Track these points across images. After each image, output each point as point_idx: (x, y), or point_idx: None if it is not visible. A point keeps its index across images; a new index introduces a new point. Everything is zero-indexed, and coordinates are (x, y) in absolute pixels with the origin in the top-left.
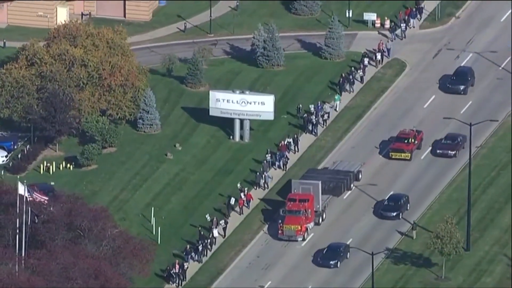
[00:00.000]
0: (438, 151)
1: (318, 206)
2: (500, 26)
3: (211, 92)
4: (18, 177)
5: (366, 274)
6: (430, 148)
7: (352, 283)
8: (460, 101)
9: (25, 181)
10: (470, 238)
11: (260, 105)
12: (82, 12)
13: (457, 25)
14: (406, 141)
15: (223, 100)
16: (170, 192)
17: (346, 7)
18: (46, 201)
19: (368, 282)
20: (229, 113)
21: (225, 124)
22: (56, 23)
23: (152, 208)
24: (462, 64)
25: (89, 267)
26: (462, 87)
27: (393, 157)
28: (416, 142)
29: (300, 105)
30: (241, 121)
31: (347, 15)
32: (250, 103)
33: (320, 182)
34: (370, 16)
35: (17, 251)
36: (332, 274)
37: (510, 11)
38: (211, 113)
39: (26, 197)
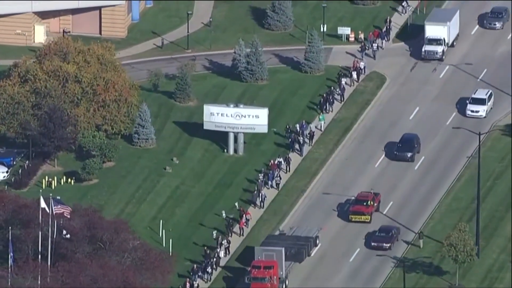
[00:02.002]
0: (372, 243)
1: (281, 273)
2: (471, 39)
3: (205, 106)
4: (41, 191)
5: (378, 282)
6: (423, 158)
7: None
8: (445, 113)
9: (51, 195)
10: (479, 246)
11: (254, 119)
12: (63, 30)
13: None
14: (365, 204)
15: (217, 114)
16: (174, 205)
17: (318, 21)
18: (68, 213)
19: None
20: (224, 127)
21: (218, 137)
22: (34, 41)
23: (161, 221)
24: (440, 74)
25: (117, 279)
26: (409, 154)
27: (353, 219)
28: (375, 204)
29: (289, 125)
30: (235, 134)
31: (322, 29)
32: (245, 117)
33: (283, 249)
34: (344, 30)
35: (45, 264)
36: (345, 281)
37: (477, 26)
38: (205, 127)
39: (52, 210)
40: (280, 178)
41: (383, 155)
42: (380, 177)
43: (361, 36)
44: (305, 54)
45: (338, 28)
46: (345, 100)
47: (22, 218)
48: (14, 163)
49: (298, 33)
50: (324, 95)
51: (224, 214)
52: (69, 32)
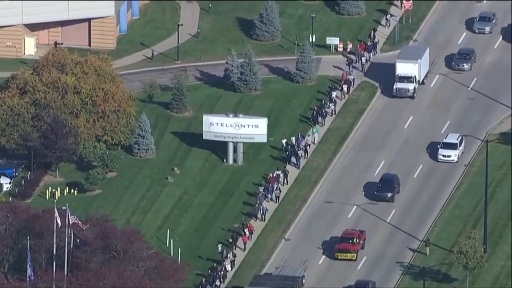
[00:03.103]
0: None
1: None
2: (459, 48)
3: (204, 116)
4: (55, 201)
5: None
6: (421, 166)
7: None
8: (438, 123)
9: (67, 205)
10: (487, 252)
11: (254, 128)
12: (56, 42)
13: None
14: (351, 241)
15: (217, 124)
16: (178, 214)
17: (304, 32)
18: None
19: None
20: (223, 137)
21: (217, 147)
22: (24, 53)
23: (168, 231)
24: (431, 83)
25: (135, 287)
26: (389, 195)
27: (339, 257)
28: (360, 241)
29: (285, 140)
30: (234, 144)
31: (310, 39)
32: (244, 126)
33: None
34: (333, 41)
35: (62, 273)
36: None
37: (465, 33)
38: (204, 137)
39: (69, 220)
40: (280, 191)
41: (381, 164)
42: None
43: (350, 46)
44: (296, 64)
45: (327, 38)
46: (336, 113)
47: (34, 228)
48: (16, 174)
49: (286, 44)
50: (316, 108)
51: (230, 239)
52: (62, 44)
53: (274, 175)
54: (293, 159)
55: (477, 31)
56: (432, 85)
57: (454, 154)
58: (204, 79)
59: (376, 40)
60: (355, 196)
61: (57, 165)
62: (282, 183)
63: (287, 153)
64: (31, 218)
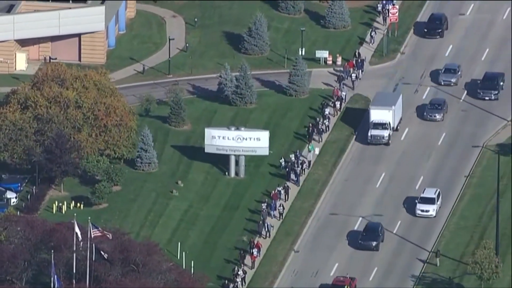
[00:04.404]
0: None
1: None
2: (447, 61)
3: (206, 130)
4: (75, 215)
5: None
6: (422, 177)
7: None
8: (435, 133)
9: (89, 218)
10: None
11: (256, 141)
12: (49, 57)
13: (404, 60)
14: None
15: (219, 137)
16: (186, 227)
17: (292, 46)
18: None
19: None
20: (225, 150)
21: (218, 160)
22: (15, 68)
23: (179, 244)
24: (423, 96)
25: None
26: (374, 243)
27: None
28: None
29: (283, 157)
30: (236, 157)
31: (300, 53)
32: (246, 139)
33: None
34: (322, 54)
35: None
36: None
37: (451, 46)
38: (206, 150)
39: (91, 233)
40: (283, 208)
41: (382, 176)
42: (383, 197)
43: (339, 59)
44: (289, 77)
45: (316, 51)
46: (330, 129)
47: (51, 242)
48: (21, 188)
49: (275, 57)
50: (311, 125)
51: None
52: (56, 59)
53: (276, 191)
54: (292, 176)
55: (442, 83)
56: (424, 97)
57: (432, 209)
58: (197, 93)
59: (363, 57)
60: (359, 207)
61: (61, 179)
62: (283, 199)
63: (287, 170)
64: (47, 231)
